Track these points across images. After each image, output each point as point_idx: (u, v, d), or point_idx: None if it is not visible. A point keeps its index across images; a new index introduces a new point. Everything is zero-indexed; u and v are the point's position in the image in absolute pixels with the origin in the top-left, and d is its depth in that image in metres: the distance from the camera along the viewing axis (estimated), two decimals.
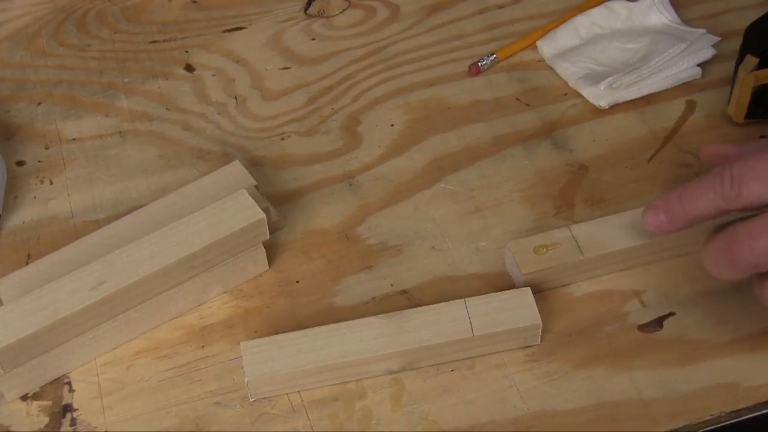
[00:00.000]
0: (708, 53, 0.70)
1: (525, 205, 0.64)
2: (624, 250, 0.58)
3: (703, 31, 0.70)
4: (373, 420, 0.54)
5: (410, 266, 0.61)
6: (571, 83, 0.70)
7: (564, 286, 0.59)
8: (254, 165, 0.67)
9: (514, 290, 0.57)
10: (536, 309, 0.56)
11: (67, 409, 0.56)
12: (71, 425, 0.55)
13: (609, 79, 0.68)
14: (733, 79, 0.66)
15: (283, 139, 0.69)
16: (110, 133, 0.70)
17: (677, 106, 0.69)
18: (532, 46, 0.74)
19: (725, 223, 0.52)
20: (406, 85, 0.72)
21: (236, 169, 0.62)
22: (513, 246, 0.59)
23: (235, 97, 0.72)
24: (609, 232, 0.58)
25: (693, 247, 0.58)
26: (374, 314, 0.56)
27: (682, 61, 0.69)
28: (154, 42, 0.76)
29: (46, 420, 0.55)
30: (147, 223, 0.59)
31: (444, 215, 0.64)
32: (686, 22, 0.73)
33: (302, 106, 0.71)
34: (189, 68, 0.74)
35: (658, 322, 0.58)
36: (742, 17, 0.72)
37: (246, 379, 0.54)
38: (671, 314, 0.58)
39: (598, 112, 0.69)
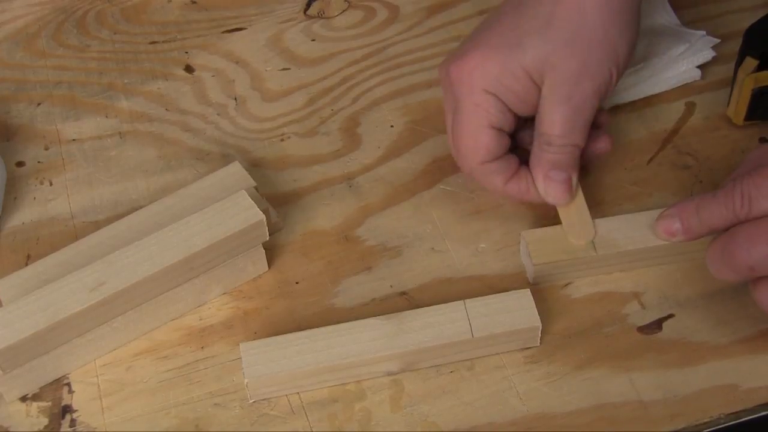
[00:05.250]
0: (708, 55, 0.70)
1: (525, 206, 0.63)
2: (638, 250, 0.58)
3: (702, 32, 0.70)
4: (372, 421, 0.54)
5: (410, 267, 0.61)
6: None
7: (565, 285, 0.59)
8: (254, 166, 0.67)
9: (513, 292, 0.57)
10: (536, 310, 0.56)
11: (67, 410, 0.56)
12: (71, 426, 0.55)
13: None
14: (732, 81, 0.66)
15: (282, 140, 0.69)
16: (110, 134, 0.70)
17: (677, 108, 0.69)
18: None
19: None
20: (406, 86, 0.72)
21: (236, 170, 0.62)
22: (528, 235, 0.59)
23: (235, 98, 0.72)
24: (624, 231, 0.59)
25: (703, 256, 0.58)
26: (374, 315, 0.56)
27: (682, 63, 0.69)
28: (154, 43, 0.76)
29: (45, 421, 0.55)
30: (147, 224, 0.59)
31: (444, 216, 0.64)
32: (686, 23, 0.73)
33: (302, 107, 0.71)
34: (189, 69, 0.74)
35: (657, 324, 0.58)
36: (742, 19, 0.72)
37: (245, 380, 0.54)
38: (671, 316, 0.58)
39: None
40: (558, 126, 0.58)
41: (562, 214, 0.60)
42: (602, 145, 0.62)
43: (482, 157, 0.59)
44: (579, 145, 0.59)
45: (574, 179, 0.60)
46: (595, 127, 0.61)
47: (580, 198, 0.60)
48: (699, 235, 0.55)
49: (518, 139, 0.63)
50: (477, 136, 0.59)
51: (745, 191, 0.52)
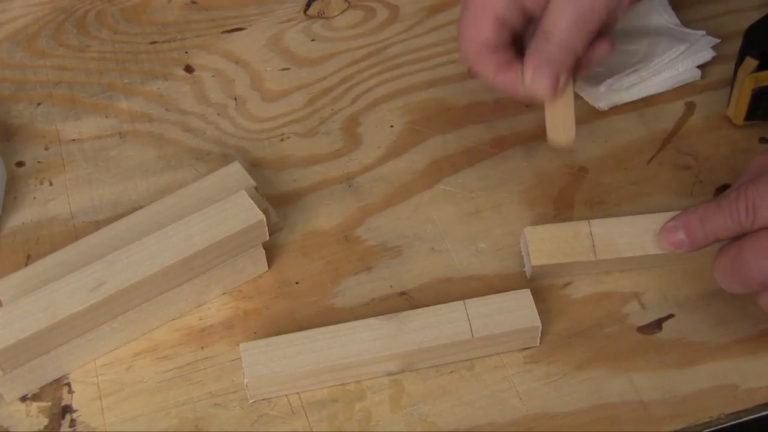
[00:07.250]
0: (707, 55, 0.70)
1: (524, 206, 0.64)
2: (638, 257, 0.58)
3: (702, 32, 0.70)
4: (372, 421, 0.54)
5: (410, 267, 0.61)
6: None
7: (565, 285, 0.59)
8: (254, 166, 0.67)
9: (513, 292, 0.57)
10: (535, 311, 0.56)
11: (67, 410, 0.56)
12: (71, 426, 0.55)
13: (608, 80, 0.68)
14: (732, 81, 0.66)
15: (282, 140, 0.69)
16: (110, 134, 0.70)
17: (677, 108, 0.69)
18: None
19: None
20: (406, 86, 0.72)
21: (236, 170, 0.62)
22: (529, 233, 0.59)
23: (235, 98, 0.72)
24: (625, 236, 0.58)
25: (703, 258, 0.58)
26: (374, 315, 0.56)
27: (682, 63, 0.69)
28: (154, 43, 0.76)
29: (45, 421, 0.55)
30: (146, 224, 0.59)
31: (443, 216, 0.64)
32: (686, 23, 0.73)
33: (302, 107, 0.71)
34: (189, 69, 0.74)
35: (657, 324, 0.58)
36: (742, 19, 0.72)
37: (245, 381, 0.54)
38: (671, 316, 0.58)
39: (598, 114, 0.69)
40: (560, 26, 0.57)
41: (548, 110, 0.60)
42: (605, 46, 0.60)
43: (479, 45, 0.59)
44: (577, 51, 0.58)
45: (563, 80, 0.58)
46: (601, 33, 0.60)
47: (570, 99, 0.60)
48: (704, 245, 0.55)
49: (526, 42, 0.61)
50: (479, 24, 0.59)
51: (749, 201, 0.51)
